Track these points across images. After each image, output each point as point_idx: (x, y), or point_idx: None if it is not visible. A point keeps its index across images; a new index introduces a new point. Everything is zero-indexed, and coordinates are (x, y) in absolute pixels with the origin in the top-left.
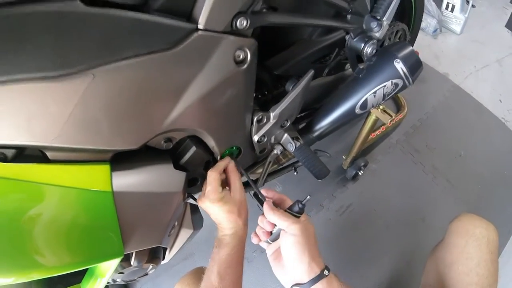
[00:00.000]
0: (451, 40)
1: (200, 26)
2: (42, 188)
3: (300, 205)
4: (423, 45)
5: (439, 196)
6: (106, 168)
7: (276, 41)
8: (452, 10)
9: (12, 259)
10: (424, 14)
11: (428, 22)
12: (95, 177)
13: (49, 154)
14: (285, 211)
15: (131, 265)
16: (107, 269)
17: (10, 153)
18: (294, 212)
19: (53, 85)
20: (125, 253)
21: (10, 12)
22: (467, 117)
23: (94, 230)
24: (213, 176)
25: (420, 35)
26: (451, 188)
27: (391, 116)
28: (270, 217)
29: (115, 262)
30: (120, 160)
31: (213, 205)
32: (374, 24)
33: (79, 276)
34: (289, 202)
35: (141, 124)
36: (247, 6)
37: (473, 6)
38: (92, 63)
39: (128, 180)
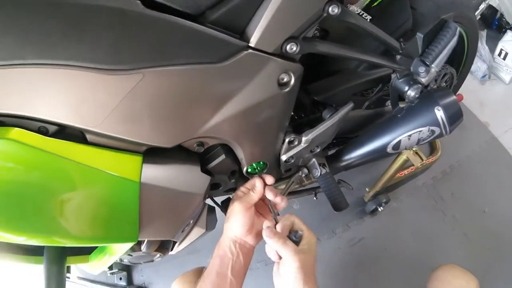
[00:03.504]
0: (498, 89)
1: (252, 45)
2: (76, 166)
3: (296, 236)
4: (469, 89)
5: (454, 248)
6: (138, 159)
7: (321, 66)
8: (504, 58)
9: (40, 225)
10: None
11: (478, 66)
12: (127, 165)
13: (89, 137)
14: (288, 236)
15: (140, 250)
16: (119, 249)
17: (52, 128)
18: (293, 239)
19: (105, 78)
20: (138, 239)
21: (77, 1)
22: (499, 174)
23: (115, 213)
24: (260, 188)
25: (467, 78)
26: (467, 243)
27: (422, 159)
28: (272, 244)
29: (127, 246)
30: (152, 153)
31: (243, 210)
32: (422, 69)
33: (90, 248)
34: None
35: (179, 127)
36: (299, 32)
37: None
38: (144, 64)
39: (156, 174)
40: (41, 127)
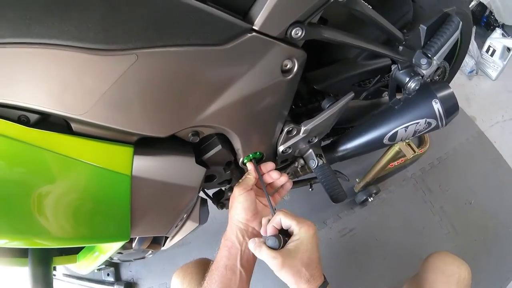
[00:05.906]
0: (485, 84)
1: (256, 28)
2: (61, 159)
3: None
4: (456, 84)
5: (441, 239)
6: (129, 150)
7: (321, 54)
8: (492, 55)
9: (18, 225)
10: None
11: (466, 61)
12: (117, 158)
13: (74, 126)
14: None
15: (131, 248)
16: (109, 248)
17: (33, 117)
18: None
19: (93, 59)
20: (130, 237)
21: None
22: (485, 167)
23: (104, 210)
24: (253, 168)
25: None
26: (454, 234)
27: (414, 151)
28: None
29: (118, 244)
30: (144, 144)
31: (242, 193)
32: (424, 61)
33: (78, 248)
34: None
35: (174, 115)
36: (305, 16)
37: None
38: (138, 43)
39: (148, 166)
40: (22, 116)
